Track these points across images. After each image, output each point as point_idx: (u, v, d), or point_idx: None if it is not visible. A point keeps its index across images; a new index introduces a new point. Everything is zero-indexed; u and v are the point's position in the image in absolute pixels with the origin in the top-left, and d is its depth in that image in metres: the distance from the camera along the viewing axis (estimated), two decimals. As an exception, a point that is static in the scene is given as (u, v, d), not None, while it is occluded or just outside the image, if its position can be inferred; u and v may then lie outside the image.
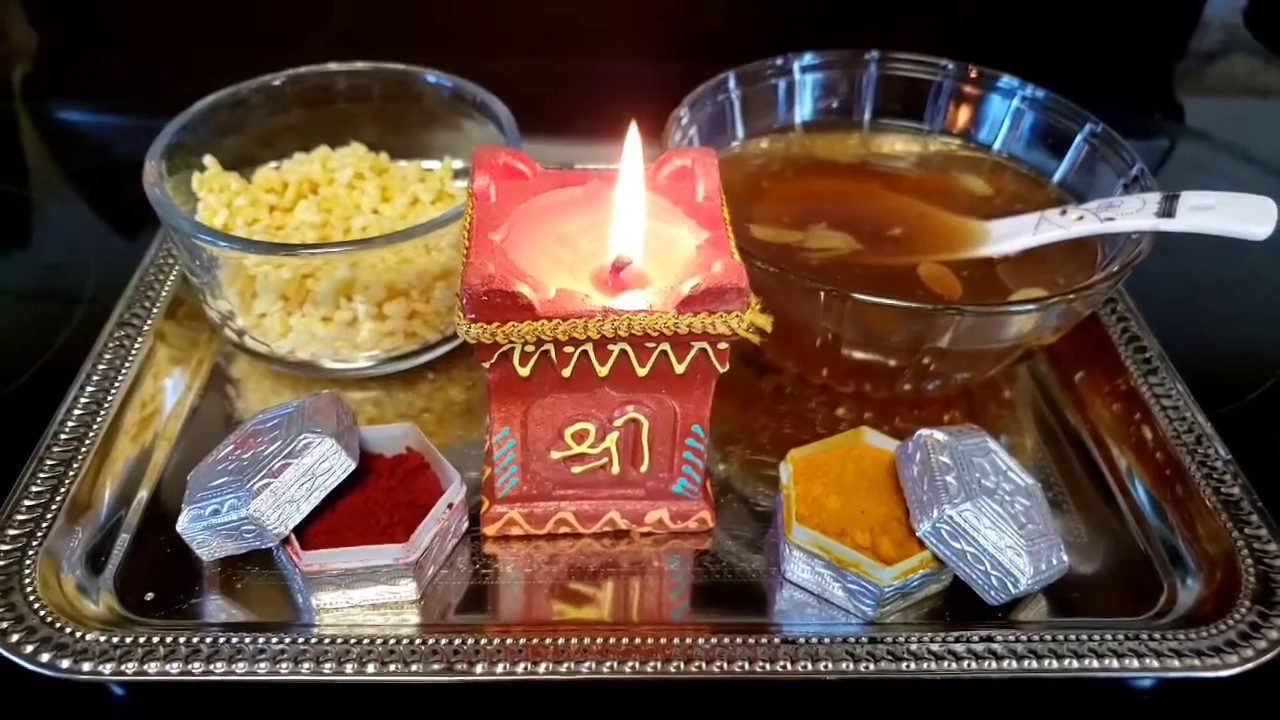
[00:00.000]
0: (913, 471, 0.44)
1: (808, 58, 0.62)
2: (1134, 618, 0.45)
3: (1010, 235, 0.54)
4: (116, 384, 0.52)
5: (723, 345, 0.41)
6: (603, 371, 0.42)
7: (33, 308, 0.62)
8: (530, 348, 0.40)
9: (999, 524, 0.42)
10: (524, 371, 0.41)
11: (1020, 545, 0.42)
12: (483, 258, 0.40)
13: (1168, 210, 0.49)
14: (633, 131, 0.42)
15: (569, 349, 0.41)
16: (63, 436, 0.48)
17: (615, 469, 0.46)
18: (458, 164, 0.61)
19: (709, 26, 0.88)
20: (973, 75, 0.62)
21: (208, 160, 0.57)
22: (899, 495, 0.45)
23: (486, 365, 0.41)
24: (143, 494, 0.49)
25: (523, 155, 0.46)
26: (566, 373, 0.42)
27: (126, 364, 0.53)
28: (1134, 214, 0.50)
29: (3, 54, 0.88)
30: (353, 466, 0.43)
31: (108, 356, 0.53)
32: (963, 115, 0.62)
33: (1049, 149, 0.60)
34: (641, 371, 0.42)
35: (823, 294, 0.46)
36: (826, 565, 0.44)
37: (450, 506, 0.44)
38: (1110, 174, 0.56)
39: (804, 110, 0.63)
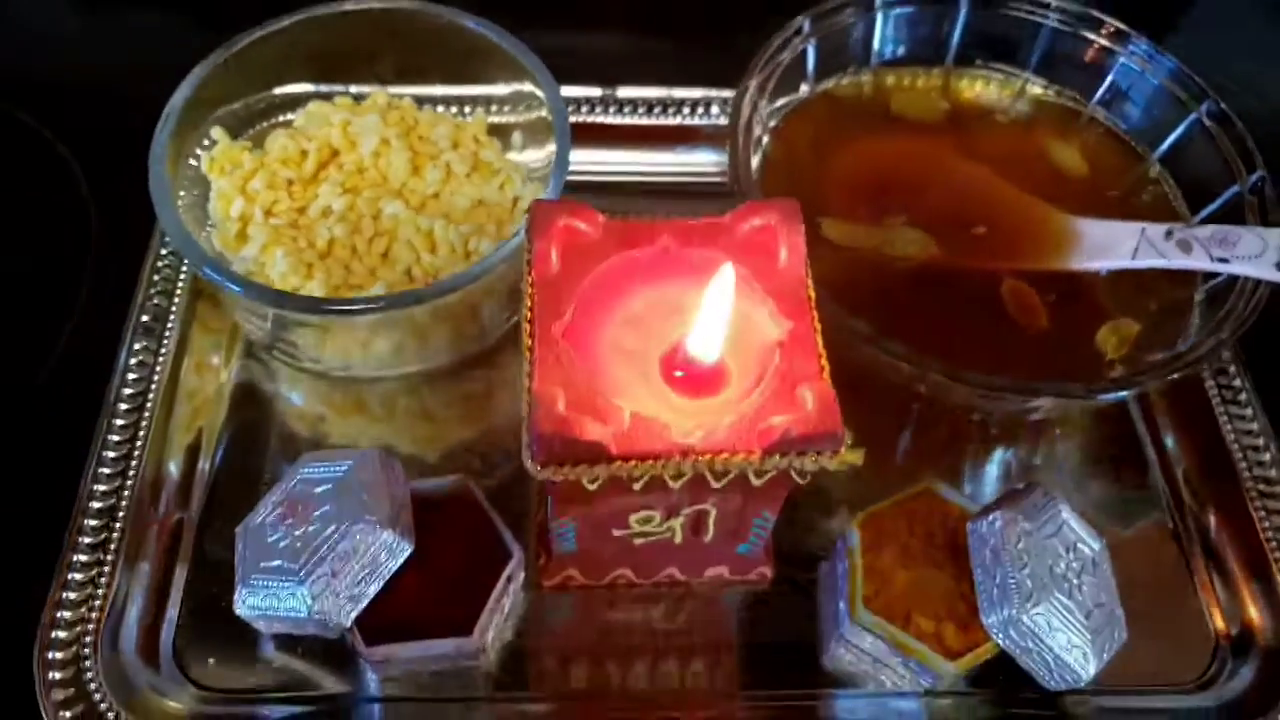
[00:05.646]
0: (985, 557, 0.43)
1: (892, -9, 0.54)
2: (1178, 692, 0.46)
3: (1103, 249, 0.49)
4: (146, 412, 0.49)
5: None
6: (675, 485, 0.39)
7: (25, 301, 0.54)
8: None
9: (1067, 622, 0.42)
10: (591, 488, 0.39)
11: (1085, 643, 0.42)
12: (550, 382, 0.37)
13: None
14: (727, 273, 0.37)
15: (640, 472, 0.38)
16: (99, 489, 0.46)
17: (678, 539, 0.44)
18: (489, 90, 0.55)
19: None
20: (1083, 24, 0.54)
21: (215, 133, 0.50)
22: (966, 567, 0.44)
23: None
24: (191, 513, 0.48)
25: (584, 209, 0.41)
26: (637, 487, 0.39)
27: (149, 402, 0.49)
28: (1251, 259, 0.45)
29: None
30: (410, 550, 0.42)
31: (127, 392, 0.49)
32: (1063, 65, 0.55)
33: (1156, 121, 0.53)
34: (716, 485, 0.39)
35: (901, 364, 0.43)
36: (888, 643, 0.44)
37: (509, 579, 0.44)
38: (1220, 168, 0.50)
39: (883, 51, 0.55)
